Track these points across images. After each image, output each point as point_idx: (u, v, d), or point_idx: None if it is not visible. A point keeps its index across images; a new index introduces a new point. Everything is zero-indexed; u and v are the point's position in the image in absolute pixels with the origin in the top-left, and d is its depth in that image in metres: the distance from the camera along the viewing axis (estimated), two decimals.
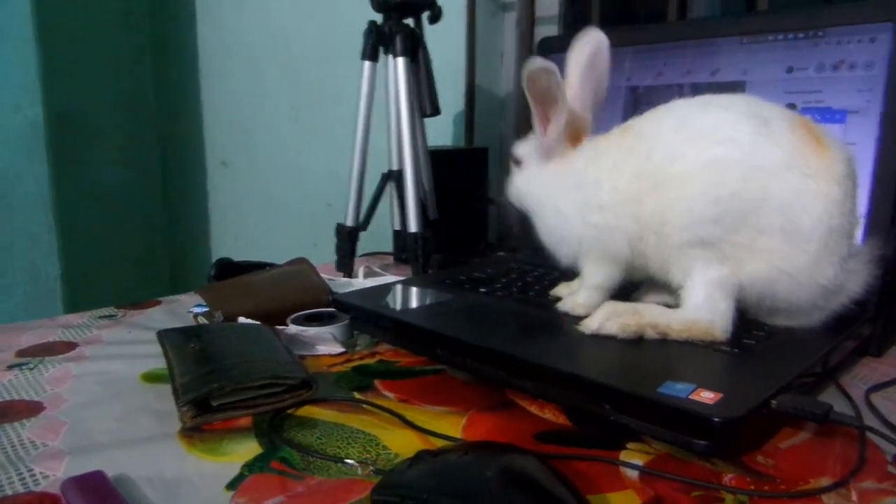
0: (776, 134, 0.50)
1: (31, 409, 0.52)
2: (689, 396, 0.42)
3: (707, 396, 0.42)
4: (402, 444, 0.45)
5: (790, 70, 0.67)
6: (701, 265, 0.52)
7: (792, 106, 0.66)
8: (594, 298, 0.59)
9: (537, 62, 0.54)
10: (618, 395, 0.44)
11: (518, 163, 0.64)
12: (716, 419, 0.40)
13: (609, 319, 0.53)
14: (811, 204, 0.49)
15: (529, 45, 1.06)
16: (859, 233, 0.59)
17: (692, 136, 0.52)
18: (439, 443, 0.45)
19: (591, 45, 0.59)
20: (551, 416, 0.50)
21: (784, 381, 0.45)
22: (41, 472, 0.42)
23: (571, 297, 0.61)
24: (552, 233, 0.61)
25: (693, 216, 0.51)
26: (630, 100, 0.78)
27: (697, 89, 0.73)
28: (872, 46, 0.62)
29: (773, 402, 0.42)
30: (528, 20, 1.07)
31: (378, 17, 0.92)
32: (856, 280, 0.53)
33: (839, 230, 0.50)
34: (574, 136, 0.60)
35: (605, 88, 0.61)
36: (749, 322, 0.55)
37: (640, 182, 0.54)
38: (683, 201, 0.51)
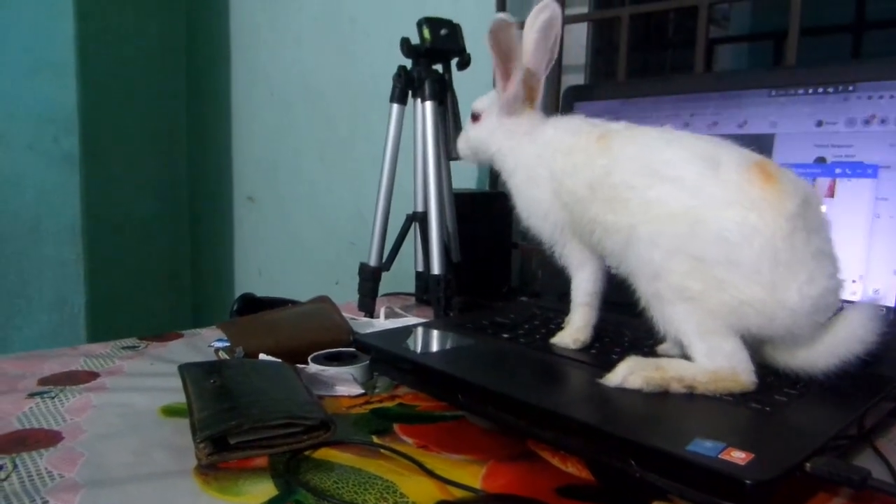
0: (722, 174, 0.52)
1: (50, 438, 0.52)
2: (719, 456, 0.41)
3: (738, 456, 0.40)
4: (419, 492, 0.44)
5: (819, 124, 0.67)
6: (673, 313, 0.53)
7: (822, 160, 0.66)
8: (585, 319, 0.64)
9: (500, 16, 0.60)
10: (644, 451, 0.43)
11: (476, 117, 0.69)
12: (748, 481, 0.38)
13: (633, 373, 0.52)
14: (752, 235, 0.50)
15: (556, 93, 1.07)
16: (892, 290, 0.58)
17: (646, 169, 0.56)
18: (458, 492, 0.44)
19: (546, 12, 0.65)
20: (574, 469, 0.48)
21: (818, 442, 0.43)
22: None
23: (563, 332, 0.65)
24: (522, 197, 0.66)
25: (634, 237, 0.55)
26: None
27: None
28: None
29: (808, 464, 0.41)
30: (555, 68, 1.09)
31: (407, 63, 0.94)
32: (853, 324, 0.52)
33: (793, 259, 0.50)
34: (530, 95, 0.66)
35: (555, 55, 0.67)
36: (781, 378, 0.54)
37: (594, 192, 0.59)
38: (633, 227, 0.55)
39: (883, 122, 0.63)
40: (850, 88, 0.65)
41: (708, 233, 0.51)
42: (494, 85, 0.66)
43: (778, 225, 0.50)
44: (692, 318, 0.52)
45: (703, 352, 0.52)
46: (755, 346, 0.54)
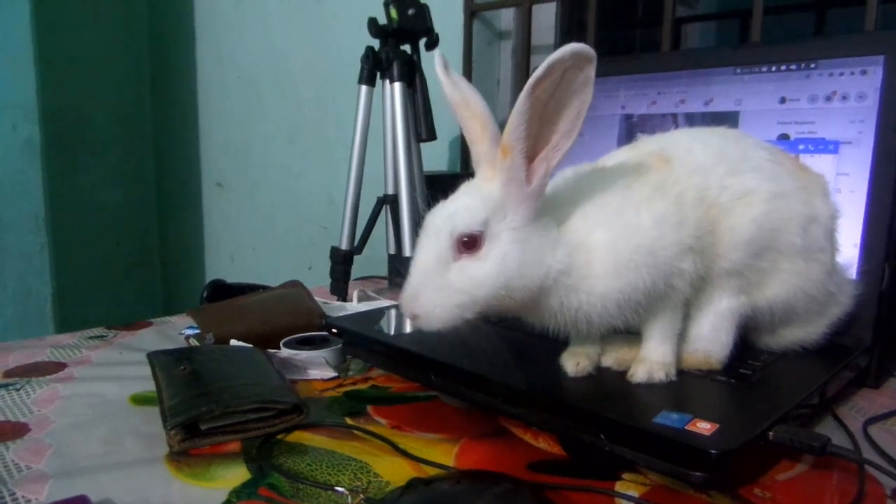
0: (782, 160, 0.54)
1: (17, 430, 0.51)
2: (685, 427, 0.41)
3: (703, 427, 0.41)
4: (393, 471, 0.44)
5: (783, 101, 0.68)
6: (717, 296, 0.51)
7: (785, 136, 0.67)
8: (673, 352, 0.51)
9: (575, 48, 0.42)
10: (613, 424, 0.44)
11: (472, 242, 0.45)
12: (712, 450, 0.39)
13: (604, 354, 0.53)
14: (821, 218, 0.53)
15: (525, 73, 1.07)
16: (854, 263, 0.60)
17: (730, 167, 0.51)
18: (431, 471, 0.45)
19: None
20: (545, 445, 0.49)
21: (781, 411, 0.44)
22: (23, 496, 0.41)
23: (644, 364, 0.50)
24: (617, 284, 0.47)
25: (734, 240, 0.50)
26: (625, 127, 0.78)
27: (691, 118, 0.73)
28: (865, 78, 0.62)
29: (771, 433, 0.42)
30: (524, 49, 1.09)
31: (375, 43, 0.93)
32: (847, 289, 0.57)
33: (836, 241, 0.55)
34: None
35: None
36: (746, 351, 0.55)
37: (709, 210, 0.50)
38: (730, 229, 0.50)
39: (844, 98, 0.64)
40: (813, 66, 0.66)
41: (792, 223, 0.51)
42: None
43: (825, 205, 0.54)
44: (729, 306, 0.51)
45: (702, 331, 0.51)
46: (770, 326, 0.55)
